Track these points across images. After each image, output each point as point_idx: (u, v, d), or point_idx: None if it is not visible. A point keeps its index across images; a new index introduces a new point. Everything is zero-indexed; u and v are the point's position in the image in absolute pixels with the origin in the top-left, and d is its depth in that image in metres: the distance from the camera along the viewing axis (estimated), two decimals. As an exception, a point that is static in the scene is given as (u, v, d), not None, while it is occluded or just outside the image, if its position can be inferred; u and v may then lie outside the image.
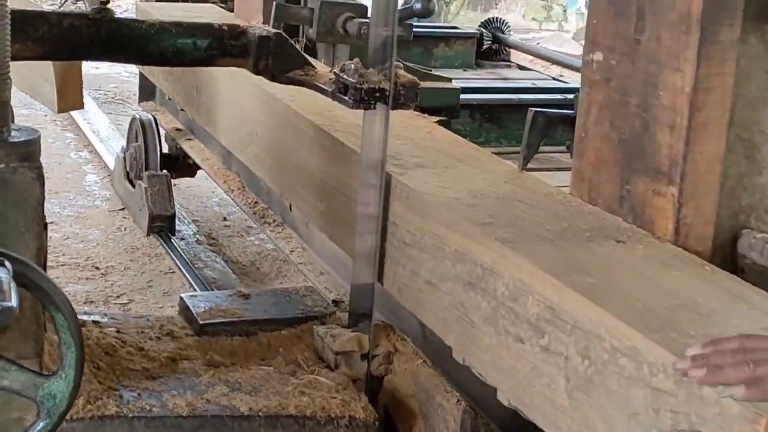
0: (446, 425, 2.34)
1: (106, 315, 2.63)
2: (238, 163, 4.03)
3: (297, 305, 2.74)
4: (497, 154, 2.86)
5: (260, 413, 2.26)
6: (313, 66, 2.62)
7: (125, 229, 5.85)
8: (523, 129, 2.78)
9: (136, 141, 5.46)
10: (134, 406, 2.19)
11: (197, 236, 5.77)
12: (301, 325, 2.66)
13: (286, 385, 2.40)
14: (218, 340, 2.57)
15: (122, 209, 6.17)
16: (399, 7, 3.51)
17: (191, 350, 2.50)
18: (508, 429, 2.60)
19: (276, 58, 2.62)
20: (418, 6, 4.13)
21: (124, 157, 5.64)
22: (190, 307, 2.65)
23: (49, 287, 1.71)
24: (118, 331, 2.48)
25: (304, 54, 2.65)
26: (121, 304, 4.85)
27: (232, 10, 4.75)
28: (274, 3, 4.03)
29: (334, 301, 2.84)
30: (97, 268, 5.25)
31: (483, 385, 2.14)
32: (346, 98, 2.41)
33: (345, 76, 2.41)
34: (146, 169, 5.25)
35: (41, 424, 1.76)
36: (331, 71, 2.57)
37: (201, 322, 2.58)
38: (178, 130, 5.15)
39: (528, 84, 5.86)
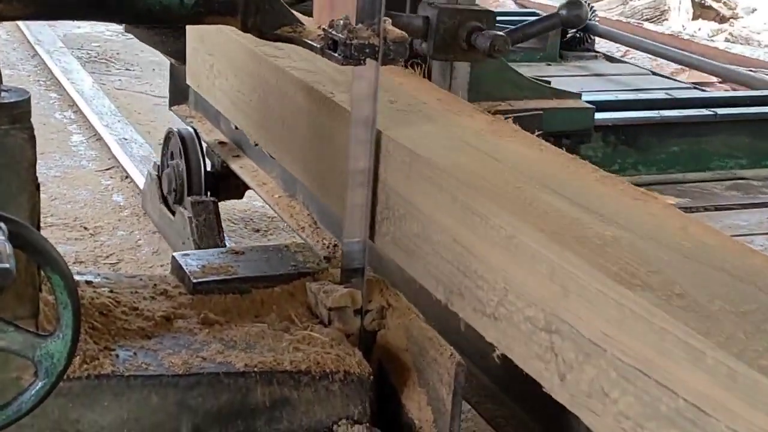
0: (440, 378, 2.35)
1: (98, 275, 2.63)
2: (305, 190, 3.41)
3: (289, 262, 2.75)
4: (636, 184, 2.37)
5: (255, 369, 2.27)
6: (302, 23, 2.60)
7: (112, 189, 5.85)
8: (664, 151, 2.70)
9: (173, 159, 4.67)
10: (130, 365, 2.20)
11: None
12: (293, 281, 2.67)
13: (280, 341, 2.41)
14: (212, 299, 2.57)
15: (109, 169, 6.16)
16: (541, 17, 3.32)
17: (185, 309, 2.51)
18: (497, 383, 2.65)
19: (264, 15, 2.60)
20: (564, 13, 3.23)
21: (159, 177, 4.80)
22: (183, 266, 2.65)
23: (45, 248, 1.72)
24: (111, 291, 2.49)
25: (292, 11, 2.64)
26: (110, 264, 4.86)
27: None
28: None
29: (326, 257, 2.85)
30: (85, 228, 5.26)
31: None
32: (336, 54, 2.40)
33: (334, 32, 2.40)
34: (189, 194, 4.46)
35: (40, 383, 1.78)
36: (319, 27, 2.56)
37: (194, 281, 2.59)
38: (221, 143, 4.29)
39: (662, 94, 5.09)
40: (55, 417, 2.10)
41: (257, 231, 5.53)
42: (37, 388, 1.77)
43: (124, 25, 3.70)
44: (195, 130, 4.51)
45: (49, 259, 1.71)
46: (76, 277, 2.35)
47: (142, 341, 2.32)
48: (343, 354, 2.37)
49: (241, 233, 5.43)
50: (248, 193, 6.00)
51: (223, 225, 5.42)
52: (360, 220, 2.60)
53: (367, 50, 2.38)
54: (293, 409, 2.32)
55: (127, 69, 9.00)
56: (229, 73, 3.49)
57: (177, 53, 3.80)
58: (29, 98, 1.97)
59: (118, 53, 9.51)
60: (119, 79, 8.63)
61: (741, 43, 10.26)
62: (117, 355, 2.23)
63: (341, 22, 2.40)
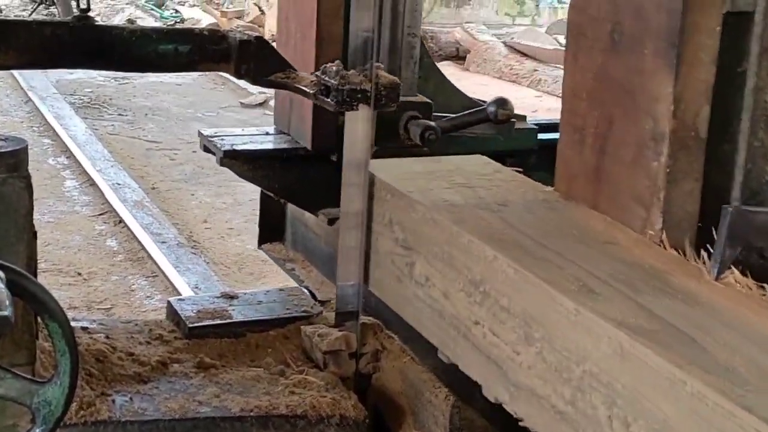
0: (435, 421, 2.36)
1: (94, 321, 2.64)
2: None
3: (284, 305, 2.77)
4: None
5: (252, 413, 2.28)
6: (294, 69, 2.64)
7: (106, 234, 5.87)
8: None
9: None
10: (127, 410, 2.21)
11: (178, 239, 5.78)
12: (288, 325, 2.68)
13: (276, 385, 2.42)
14: (207, 343, 2.58)
15: (102, 214, 6.18)
16: (470, 111, 3.32)
17: (181, 353, 2.52)
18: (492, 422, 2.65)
19: (257, 62, 2.64)
20: (492, 110, 3.24)
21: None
22: (178, 311, 2.66)
23: (43, 295, 1.73)
24: (107, 337, 2.50)
25: (284, 58, 2.67)
26: (103, 309, 4.88)
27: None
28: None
29: (320, 301, 2.86)
30: (79, 273, 5.27)
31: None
32: (328, 100, 2.43)
33: (326, 78, 2.44)
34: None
35: (37, 430, 1.78)
36: (312, 74, 2.60)
37: (190, 326, 2.60)
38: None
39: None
40: (52, 463, 2.10)
41: (251, 275, 5.55)
42: (35, 435, 1.77)
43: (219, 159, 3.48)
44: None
45: (48, 307, 1.73)
46: (72, 324, 2.37)
47: (138, 386, 2.33)
48: (338, 397, 2.38)
49: (234, 277, 5.45)
50: (240, 237, 6.04)
51: (216, 269, 5.45)
52: (354, 263, 2.61)
53: (360, 95, 2.41)
54: (290, 453, 2.33)
55: (119, 114, 9.05)
56: (453, 286, 2.10)
57: (283, 190, 3.49)
58: (26, 147, 1.99)
59: (110, 98, 9.57)
60: (112, 125, 8.67)
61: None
62: (113, 401, 2.23)
63: (333, 68, 2.44)
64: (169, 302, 2.74)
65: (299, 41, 3.42)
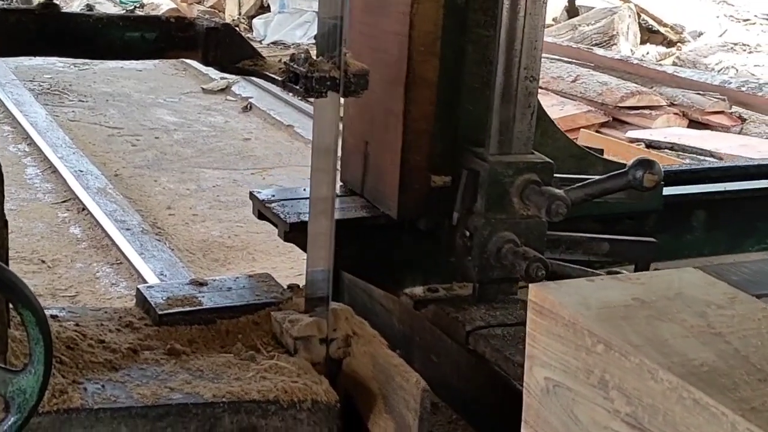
0: (406, 404, 2.38)
1: (63, 309, 2.64)
2: None
3: (253, 292, 2.77)
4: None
5: (223, 399, 2.29)
6: (261, 56, 2.64)
7: (69, 221, 5.84)
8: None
9: None
10: (99, 397, 2.21)
11: (142, 226, 5.76)
12: (258, 311, 2.69)
13: (247, 370, 2.43)
14: (177, 329, 2.59)
15: (65, 201, 6.14)
16: (608, 175, 2.80)
17: (151, 340, 2.52)
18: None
19: (224, 49, 2.64)
20: (637, 175, 2.76)
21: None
22: (148, 298, 2.67)
23: (17, 284, 1.73)
24: (77, 325, 2.50)
25: (252, 44, 2.67)
26: (68, 296, 4.85)
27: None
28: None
29: (289, 286, 2.87)
30: (42, 261, 5.24)
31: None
32: (297, 87, 2.44)
33: (295, 66, 2.44)
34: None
35: (12, 419, 1.79)
36: (280, 61, 2.60)
37: (160, 313, 2.60)
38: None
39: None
40: (25, 452, 2.10)
41: (216, 261, 5.54)
42: (9, 423, 1.78)
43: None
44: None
45: (21, 296, 1.73)
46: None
47: (109, 373, 2.34)
48: (310, 383, 2.39)
49: (200, 263, 5.43)
50: (204, 223, 6.03)
51: (181, 255, 5.43)
52: (324, 248, 2.62)
53: (328, 83, 2.42)
54: (261, 438, 2.34)
55: (80, 100, 8.98)
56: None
57: (359, 266, 3.07)
58: (-4, 135, 1.98)
59: (71, 85, 9.49)
60: (73, 111, 8.61)
61: (688, 67, 10.44)
62: (85, 389, 2.24)
63: (302, 55, 2.44)
64: (138, 289, 2.74)
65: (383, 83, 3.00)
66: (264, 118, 8.65)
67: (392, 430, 2.46)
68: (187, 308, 2.65)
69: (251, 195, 3.24)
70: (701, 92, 8.59)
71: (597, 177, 2.89)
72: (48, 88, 9.35)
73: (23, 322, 1.74)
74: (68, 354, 2.33)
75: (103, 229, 5.58)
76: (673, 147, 7.63)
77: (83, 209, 5.94)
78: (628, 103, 8.31)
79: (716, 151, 7.40)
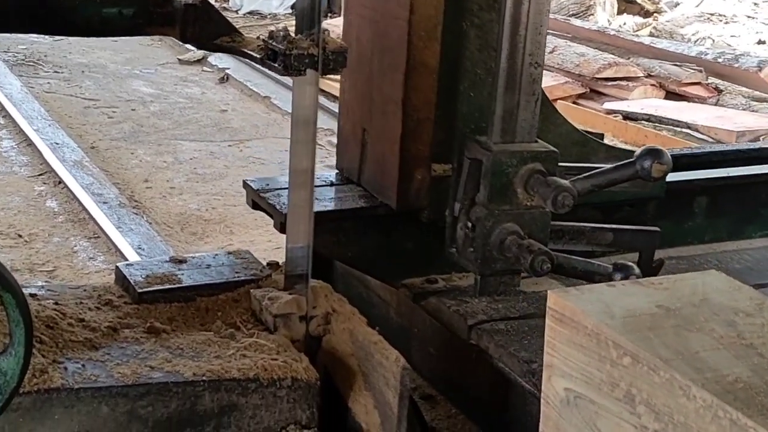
0: (386, 382, 2.40)
1: (42, 287, 2.63)
2: None
3: (233, 269, 2.78)
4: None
5: (204, 378, 2.30)
6: (239, 33, 2.63)
7: (46, 195, 5.81)
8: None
9: None
10: (79, 377, 2.22)
11: (119, 199, 5.74)
12: (238, 288, 2.70)
13: (227, 348, 2.44)
14: (157, 307, 2.59)
15: (41, 174, 6.11)
16: (616, 165, 2.74)
17: (131, 318, 2.52)
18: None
19: (203, 26, 2.63)
20: (645, 164, 2.70)
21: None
22: (127, 276, 2.66)
23: (-4, 267, 1.73)
24: (56, 303, 2.49)
25: (229, 21, 2.66)
26: (46, 271, 4.84)
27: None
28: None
29: (268, 263, 2.88)
30: (19, 235, 5.22)
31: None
32: (276, 65, 2.43)
33: (273, 43, 2.43)
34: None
35: (-7, 401, 1.78)
36: (258, 37, 2.59)
37: (139, 291, 2.60)
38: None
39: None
40: (6, 432, 2.11)
41: (194, 234, 5.53)
42: (-10, 405, 1.78)
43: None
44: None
45: (1, 278, 1.72)
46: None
47: (89, 352, 2.34)
48: (290, 360, 2.40)
49: (178, 237, 5.42)
50: (182, 196, 6.01)
51: (159, 229, 5.42)
52: (303, 223, 2.62)
53: (307, 60, 2.41)
54: (241, 415, 2.35)
55: (55, 72, 8.91)
56: None
57: (359, 259, 3.03)
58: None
59: (45, 55, 9.41)
60: (48, 82, 8.54)
61: (665, 38, 10.45)
62: (66, 368, 2.24)
63: (281, 33, 2.43)
64: (117, 267, 2.74)
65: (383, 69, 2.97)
66: (241, 90, 8.61)
67: (372, 407, 2.47)
68: (167, 286, 2.65)
69: (245, 184, 3.15)
70: (678, 63, 8.61)
71: (603, 167, 2.83)
72: (23, 59, 9.26)
73: (3, 304, 1.74)
74: (48, 333, 2.33)
75: (80, 203, 5.56)
76: (649, 118, 7.65)
77: (60, 182, 5.91)
78: (605, 75, 8.32)
79: (693, 122, 7.43)
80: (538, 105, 2.82)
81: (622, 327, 1.55)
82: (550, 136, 2.99)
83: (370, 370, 2.46)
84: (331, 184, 3.19)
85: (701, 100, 8.29)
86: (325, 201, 3.07)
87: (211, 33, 2.63)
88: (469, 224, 2.82)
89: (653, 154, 2.71)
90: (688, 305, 1.64)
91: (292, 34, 2.45)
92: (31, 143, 6.58)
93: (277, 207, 2.98)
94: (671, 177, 3.33)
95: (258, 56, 2.50)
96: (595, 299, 1.63)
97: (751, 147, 4.12)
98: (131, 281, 2.64)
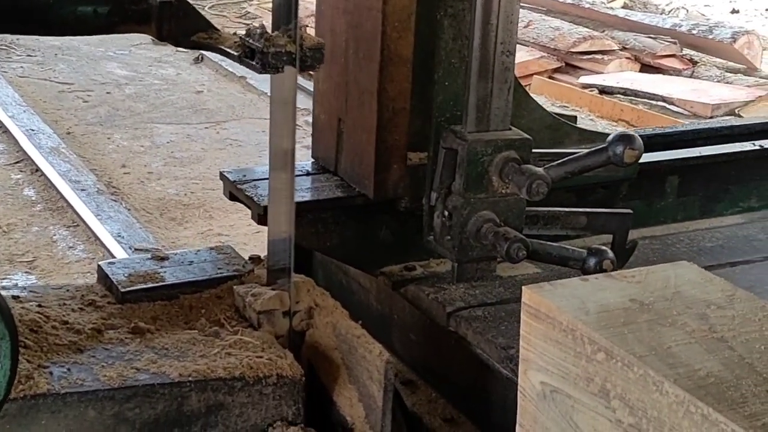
0: (370, 376, 2.41)
1: (24, 288, 2.63)
2: None
3: (215, 265, 2.78)
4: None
5: (190, 378, 2.31)
6: (216, 29, 2.62)
7: (23, 183, 5.79)
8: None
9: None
10: (65, 381, 2.22)
11: (97, 186, 5.73)
12: (220, 285, 2.70)
13: (212, 347, 2.44)
14: (140, 306, 2.59)
15: (18, 162, 6.08)
16: (588, 151, 2.77)
17: (115, 319, 2.52)
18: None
19: (179, 22, 2.61)
20: (617, 150, 2.73)
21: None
22: (109, 275, 2.66)
23: (-20, 281, 1.73)
24: (39, 306, 2.49)
25: (206, 18, 2.65)
26: (26, 261, 4.82)
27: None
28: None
29: (250, 258, 2.88)
30: (-2, 225, 5.20)
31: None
32: (254, 63, 2.43)
33: (251, 41, 2.43)
34: None
35: (-19, 413, 1.79)
36: (235, 34, 2.58)
37: (122, 290, 2.60)
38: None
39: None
40: (-7, 439, 2.11)
41: (173, 220, 5.53)
42: (-22, 418, 1.78)
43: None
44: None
45: (-15, 292, 1.73)
46: (2, 293, 2.37)
47: (74, 356, 2.34)
48: (275, 357, 2.41)
49: (157, 223, 5.42)
50: (160, 181, 6.00)
51: (138, 215, 5.42)
52: (285, 206, 2.60)
53: (285, 58, 2.41)
54: (228, 414, 2.37)
55: (28, 55, 8.84)
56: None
57: (336, 249, 3.05)
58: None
59: (18, 38, 9.32)
60: (21, 66, 8.48)
61: (639, 9, 10.46)
62: (51, 373, 2.24)
63: (258, 30, 2.43)
64: (99, 266, 2.74)
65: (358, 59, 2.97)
66: (216, 70, 8.57)
67: (356, 400, 2.49)
68: (150, 284, 2.65)
69: (221, 175, 3.15)
70: (652, 36, 8.63)
71: (576, 153, 2.86)
72: (-7, 43, 9.19)
73: (-12, 318, 1.74)
74: (32, 337, 2.33)
75: (57, 191, 5.54)
76: (625, 92, 7.68)
77: (36, 170, 5.89)
78: (580, 48, 8.33)
79: (668, 96, 7.46)
80: (511, 93, 2.85)
81: (596, 323, 1.57)
82: (523, 121, 3.03)
83: (353, 364, 2.47)
84: (308, 174, 3.20)
85: (676, 73, 8.32)
86: (303, 191, 3.07)
87: (188, 30, 2.62)
88: (446, 213, 2.86)
89: (625, 140, 2.74)
90: (660, 299, 1.67)
91: (269, 31, 2.44)
92: (6, 130, 6.54)
93: (255, 199, 2.98)
94: (643, 158, 3.46)
95: (236, 54, 2.49)
96: (570, 294, 1.66)
97: (723, 125, 4.16)
98: (114, 280, 2.64)
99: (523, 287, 1.71)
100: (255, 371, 2.37)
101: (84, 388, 2.22)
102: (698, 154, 3.63)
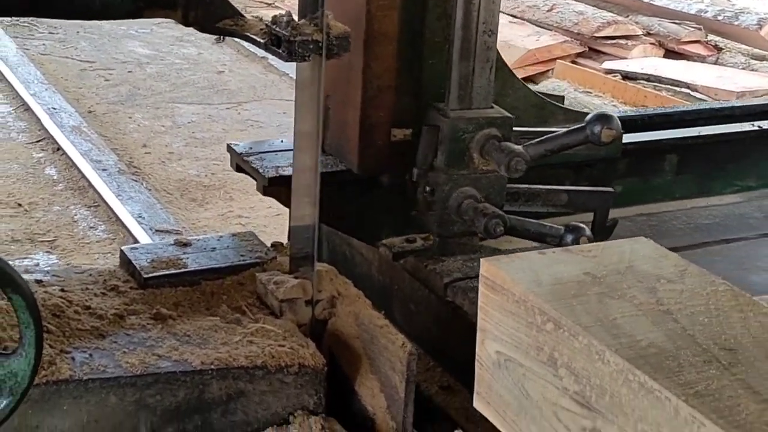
0: (392, 367, 2.41)
1: (47, 272, 2.63)
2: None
3: (238, 252, 2.77)
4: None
5: (212, 366, 2.31)
6: (242, 16, 2.61)
7: (45, 162, 5.80)
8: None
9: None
10: (87, 367, 2.22)
11: (118, 166, 5.73)
12: (242, 272, 2.70)
13: (233, 334, 2.44)
14: (162, 293, 2.59)
15: (39, 141, 6.09)
16: (567, 130, 2.82)
17: (137, 304, 2.52)
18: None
19: (205, 8, 2.60)
20: (595, 130, 2.76)
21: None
22: (132, 260, 2.66)
23: (4, 270, 1.73)
24: (62, 290, 2.49)
25: (232, 4, 2.64)
26: (47, 241, 4.84)
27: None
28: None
29: (273, 245, 2.88)
30: (19, 204, 5.21)
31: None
32: (280, 51, 2.42)
33: (277, 29, 2.41)
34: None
35: (4, 402, 1.80)
36: (261, 20, 2.57)
37: (145, 276, 2.60)
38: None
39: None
40: (15, 424, 2.11)
41: (194, 201, 5.53)
42: (2, 406, 1.79)
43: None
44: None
45: (10, 281, 1.73)
46: (25, 276, 2.37)
47: (96, 341, 2.34)
48: (296, 346, 2.41)
49: (178, 204, 5.42)
50: (181, 162, 6.00)
51: (159, 196, 5.42)
52: (309, 189, 2.60)
53: (311, 47, 2.40)
54: (248, 402, 2.37)
55: (50, 32, 8.85)
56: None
57: (340, 220, 3.06)
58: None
59: (40, 15, 9.34)
60: (43, 44, 8.49)
61: (664, -6, 10.37)
62: (73, 358, 2.24)
63: (284, 18, 2.41)
64: (122, 251, 2.74)
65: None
66: (237, 50, 8.56)
67: (378, 390, 2.48)
68: (172, 270, 2.65)
69: (228, 148, 3.20)
70: (677, 21, 8.56)
71: (556, 132, 2.91)
72: (16, 20, 9.19)
73: (13, 306, 1.74)
74: (55, 322, 2.33)
75: (79, 170, 5.55)
76: (649, 78, 7.63)
77: (58, 149, 5.90)
78: (604, 33, 8.27)
79: (693, 82, 7.41)
80: (492, 72, 2.88)
81: (548, 295, 1.61)
82: (508, 100, 3.10)
83: (375, 354, 2.47)
84: (281, 150, 3.23)
85: (701, 59, 8.25)
86: (290, 166, 3.09)
87: (214, 16, 2.61)
88: (428, 188, 2.91)
89: (603, 119, 2.79)
90: (613, 273, 1.69)
91: (296, 19, 2.43)
92: (28, 108, 6.55)
93: (260, 170, 3.03)
94: (643, 136, 3.56)
95: (261, 41, 2.48)
96: (526, 267, 1.69)
97: (724, 105, 4.21)
98: (136, 266, 2.64)
99: (481, 259, 1.74)
100: (277, 360, 2.37)
101: (106, 375, 2.22)
102: (697, 134, 3.69)
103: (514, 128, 2.88)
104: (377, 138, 3.01)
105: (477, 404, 1.77)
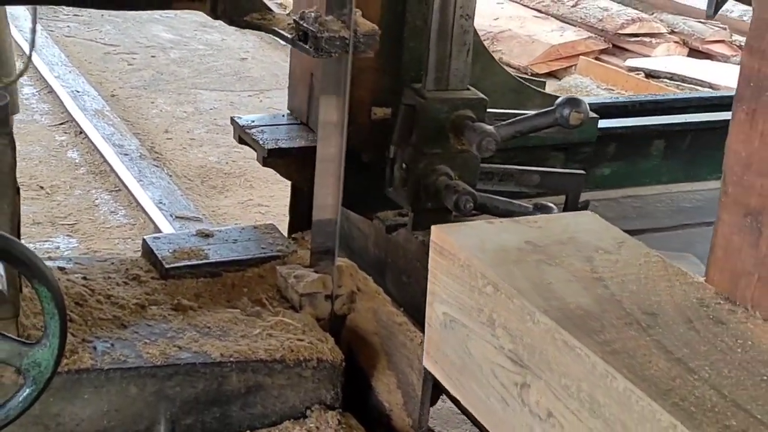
0: (410, 364, 2.42)
1: (70, 260, 2.65)
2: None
3: (259, 244, 2.79)
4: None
5: (231, 359, 2.33)
6: (270, 10, 2.62)
7: (67, 145, 5.81)
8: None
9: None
10: (109, 357, 2.24)
11: (140, 151, 5.75)
12: (263, 264, 2.71)
13: (253, 327, 2.46)
14: (184, 283, 2.61)
15: (62, 124, 6.11)
16: (537, 113, 2.90)
17: (158, 294, 2.55)
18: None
19: (233, 1, 2.62)
20: (564, 113, 2.83)
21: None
22: (154, 250, 2.68)
23: (32, 260, 1.75)
24: (84, 278, 2.51)
25: (261, -3, 2.65)
26: (68, 224, 4.85)
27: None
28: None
29: (293, 238, 2.89)
30: (41, 187, 5.23)
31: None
32: (307, 47, 2.43)
33: (305, 25, 2.42)
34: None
35: (27, 390, 1.81)
36: (289, 15, 2.58)
37: (167, 266, 2.62)
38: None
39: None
40: (36, 412, 2.14)
41: (214, 188, 5.54)
42: (25, 395, 1.80)
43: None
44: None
45: (36, 272, 1.74)
46: (48, 264, 2.39)
47: (118, 331, 2.36)
48: (315, 341, 2.43)
49: (198, 191, 5.43)
50: (202, 148, 6.01)
51: (180, 182, 5.43)
52: (331, 187, 2.61)
53: (338, 43, 2.41)
54: (267, 395, 2.39)
55: (75, 15, 8.86)
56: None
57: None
58: (8, 103, 1.97)
59: (65, -3, 9.37)
60: (68, 26, 8.50)
61: (689, -9, 10.32)
62: (95, 348, 2.27)
63: (312, 14, 2.42)
64: (144, 240, 2.76)
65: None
66: (260, 36, 8.55)
67: (395, 386, 2.50)
68: (194, 261, 2.67)
69: (232, 120, 3.26)
70: (702, 20, 8.52)
71: (527, 114, 2.98)
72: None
73: (39, 297, 1.76)
74: (77, 311, 2.35)
75: (101, 154, 5.57)
76: (672, 77, 7.60)
77: (81, 132, 5.91)
78: (628, 30, 8.24)
79: (715, 82, 7.37)
80: (469, 55, 2.93)
81: (490, 260, 1.71)
82: (487, 83, 3.15)
83: (393, 351, 2.48)
84: (282, 124, 3.27)
85: (725, 59, 8.21)
86: (307, 139, 3.13)
87: (242, 9, 2.63)
88: (404, 165, 2.94)
89: (571, 103, 2.86)
90: (555, 242, 1.79)
91: (323, 16, 2.44)
92: (52, 90, 6.57)
93: (261, 142, 3.07)
94: (632, 122, 3.71)
95: (289, 36, 2.49)
96: (473, 234, 1.80)
97: (714, 95, 4.32)
98: (158, 256, 2.66)
99: (432, 226, 1.82)
100: (296, 354, 2.39)
101: (127, 365, 2.24)
102: (684, 120, 3.80)
103: (488, 110, 2.95)
104: (358, 116, 3.04)
105: (426, 363, 1.85)
